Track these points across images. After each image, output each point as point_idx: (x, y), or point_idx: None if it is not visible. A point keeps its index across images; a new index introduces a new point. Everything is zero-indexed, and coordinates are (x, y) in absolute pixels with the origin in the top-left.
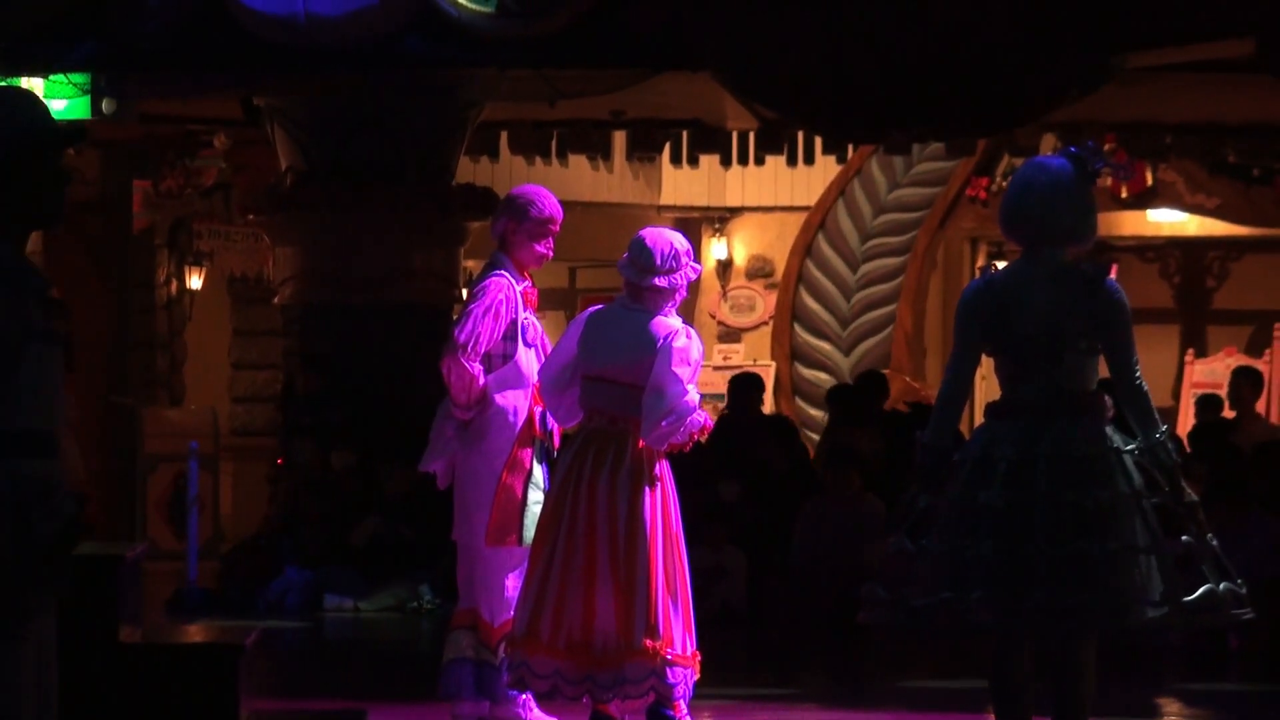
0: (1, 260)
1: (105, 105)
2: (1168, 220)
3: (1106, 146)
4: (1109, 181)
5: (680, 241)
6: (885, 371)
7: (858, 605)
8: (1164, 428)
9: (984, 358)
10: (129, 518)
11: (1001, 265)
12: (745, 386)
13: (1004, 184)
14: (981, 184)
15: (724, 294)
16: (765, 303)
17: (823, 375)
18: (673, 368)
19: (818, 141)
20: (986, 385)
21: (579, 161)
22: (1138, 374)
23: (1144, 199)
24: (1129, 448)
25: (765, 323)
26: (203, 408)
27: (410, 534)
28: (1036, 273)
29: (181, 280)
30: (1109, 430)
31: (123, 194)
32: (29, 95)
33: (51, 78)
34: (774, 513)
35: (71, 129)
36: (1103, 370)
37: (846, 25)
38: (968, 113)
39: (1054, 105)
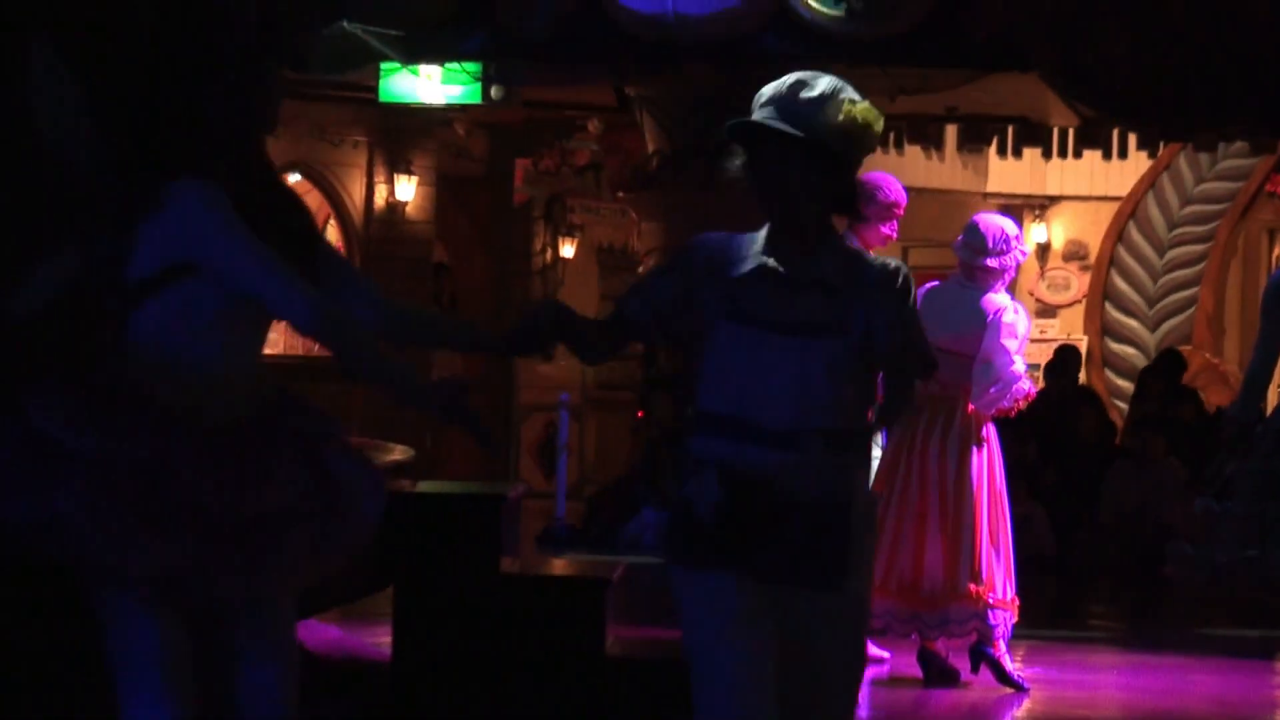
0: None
1: (494, 91)
2: None
3: None
4: None
5: (1010, 227)
6: (1186, 349)
7: (1162, 559)
8: None
9: None
10: (505, 460)
11: None
12: (1068, 357)
13: None
14: (1278, 180)
15: (1042, 274)
16: (1080, 283)
17: (1131, 350)
18: (1001, 340)
19: (1131, 138)
20: None
21: (914, 151)
22: None
23: None
24: None
25: (1079, 301)
26: (571, 363)
27: None
28: None
29: (555, 249)
30: None
31: (506, 171)
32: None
33: (447, 66)
34: (1079, 473)
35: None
36: None
37: (1163, 32)
38: (1270, 114)
39: None
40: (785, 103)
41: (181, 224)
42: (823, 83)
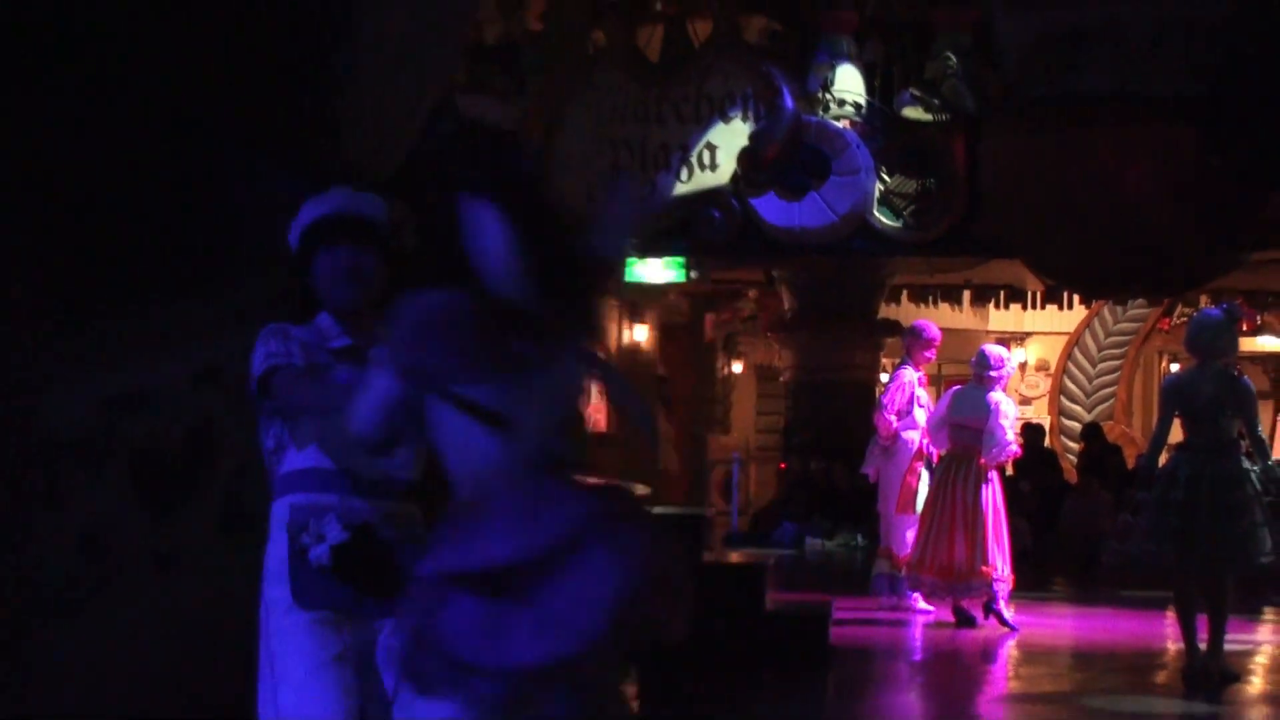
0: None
1: (692, 274)
2: (1268, 343)
3: (1239, 302)
4: (1244, 324)
5: (1004, 352)
6: (1109, 424)
7: (1098, 552)
8: (1274, 460)
9: (1174, 419)
10: (701, 494)
11: (1177, 367)
12: (1034, 431)
13: (1180, 321)
14: (1165, 322)
15: (1023, 379)
16: (1045, 385)
17: (1075, 425)
18: (999, 420)
19: (1076, 297)
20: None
21: (945, 306)
22: (1260, 429)
23: (1256, 331)
24: (1253, 469)
25: (1044, 396)
26: (742, 433)
27: (852, 506)
28: (1204, 374)
29: (729, 367)
30: (1243, 460)
31: (700, 320)
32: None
33: (665, 259)
34: (1048, 500)
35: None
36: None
37: (1093, 236)
38: (1156, 286)
39: (1211, 279)
40: None
41: None
42: None
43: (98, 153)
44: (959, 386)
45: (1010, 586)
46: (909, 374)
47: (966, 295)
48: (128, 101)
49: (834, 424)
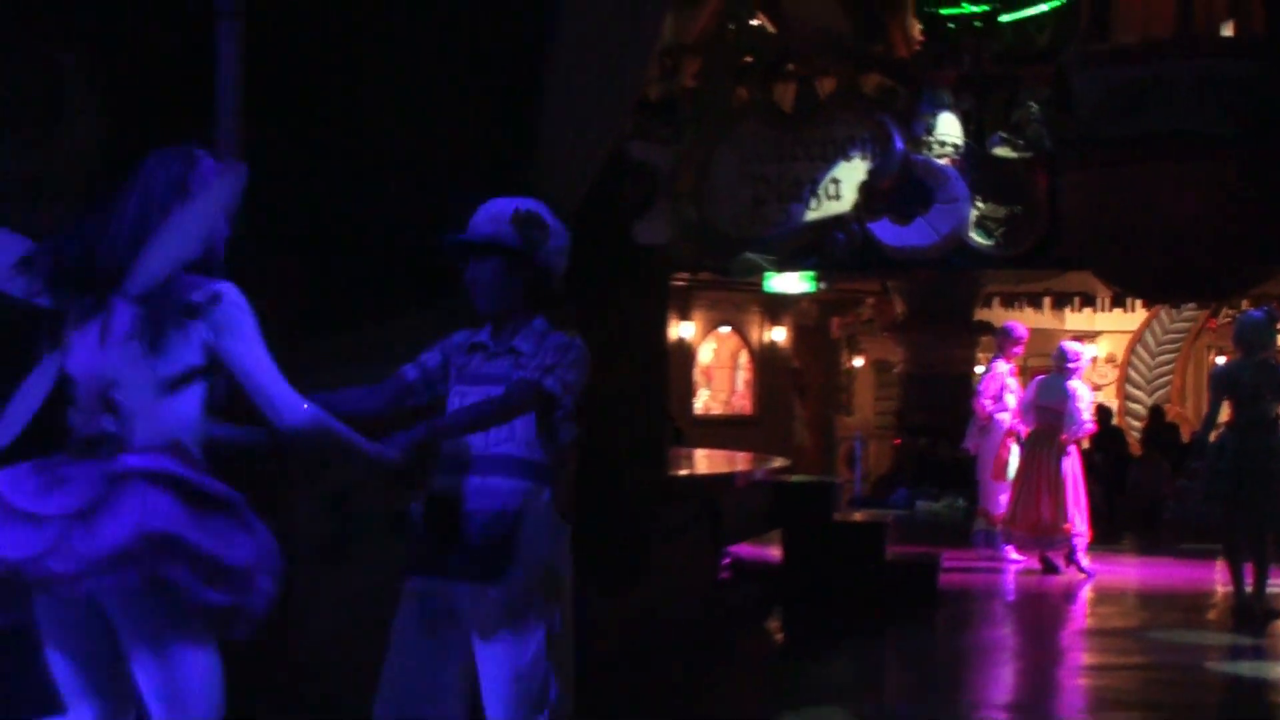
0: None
1: (821, 285)
2: None
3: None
4: None
5: (1080, 348)
6: (1168, 406)
7: (1160, 513)
8: None
9: (1222, 402)
10: (830, 466)
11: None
12: (1104, 412)
13: (1225, 321)
14: (1213, 322)
15: (1095, 369)
16: (1114, 374)
17: (1139, 407)
18: (1076, 404)
19: (1138, 302)
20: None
21: (1029, 309)
22: None
23: None
24: None
25: (1113, 383)
26: (861, 417)
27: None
28: (1247, 364)
29: (851, 362)
30: None
31: (827, 323)
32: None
33: (799, 273)
34: (1117, 469)
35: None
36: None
37: (1148, 251)
38: (1210, 290)
39: (1251, 287)
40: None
41: None
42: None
43: (348, 185)
44: (1042, 376)
45: (1087, 540)
46: (1001, 366)
47: (1047, 300)
48: (376, 141)
49: (939, 408)
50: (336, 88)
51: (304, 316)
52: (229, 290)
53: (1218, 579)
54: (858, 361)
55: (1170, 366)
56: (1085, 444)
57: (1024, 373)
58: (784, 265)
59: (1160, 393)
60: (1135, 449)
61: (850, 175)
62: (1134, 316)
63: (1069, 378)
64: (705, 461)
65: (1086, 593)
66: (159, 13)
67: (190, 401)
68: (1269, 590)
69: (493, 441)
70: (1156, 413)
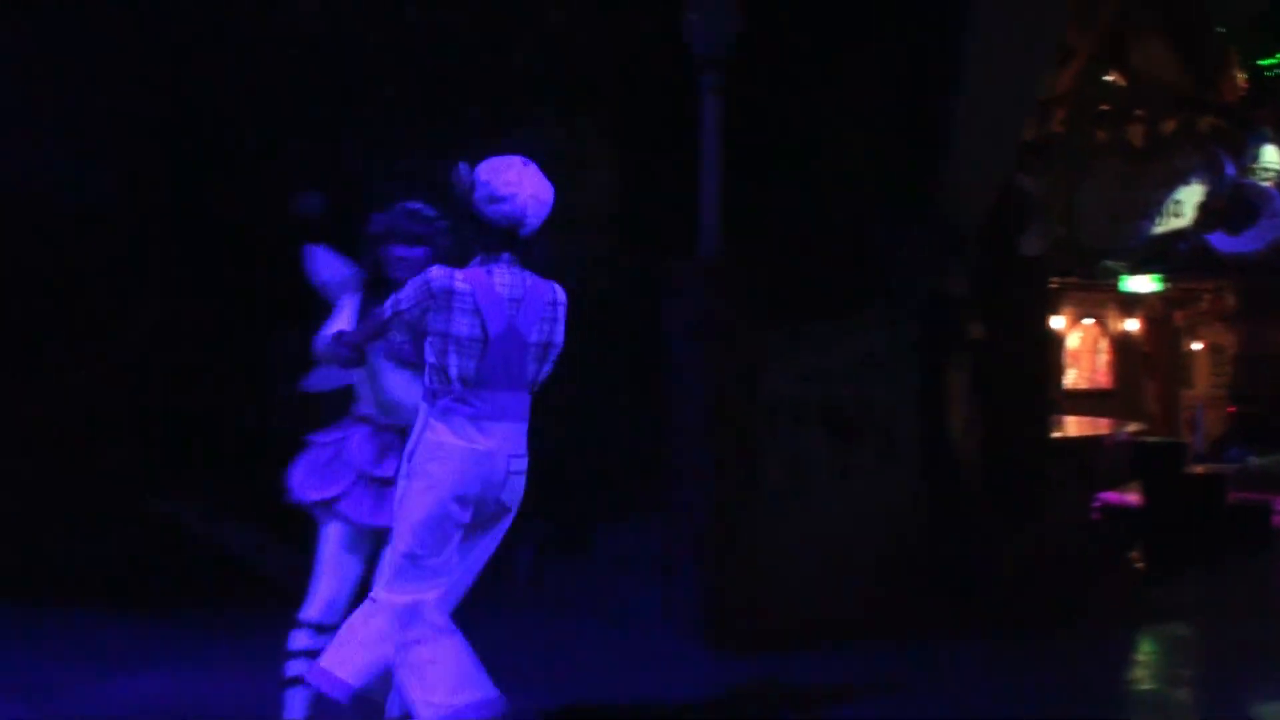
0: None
1: (1167, 284)
2: None
3: None
4: None
5: None
6: None
7: None
8: None
9: None
10: (1176, 429)
11: None
12: None
13: None
14: None
15: None
16: None
17: None
18: None
19: None
20: None
21: None
22: None
23: None
24: None
25: None
26: (1200, 390)
27: None
28: None
29: (1191, 345)
30: None
31: (1170, 314)
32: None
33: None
34: None
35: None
36: None
37: None
38: None
39: None
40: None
41: None
42: None
43: (803, 205)
44: None
45: None
46: None
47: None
48: (824, 168)
49: (1266, 382)
50: (799, 134)
51: (774, 308)
52: None
53: None
54: (1196, 345)
55: None
56: None
57: None
58: (1136, 269)
59: None
60: None
61: (1190, 197)
62: None
63: None
64: (1076, 426)
65: None
66: (657, 85)
67: None
68: None
69: None
70: None
